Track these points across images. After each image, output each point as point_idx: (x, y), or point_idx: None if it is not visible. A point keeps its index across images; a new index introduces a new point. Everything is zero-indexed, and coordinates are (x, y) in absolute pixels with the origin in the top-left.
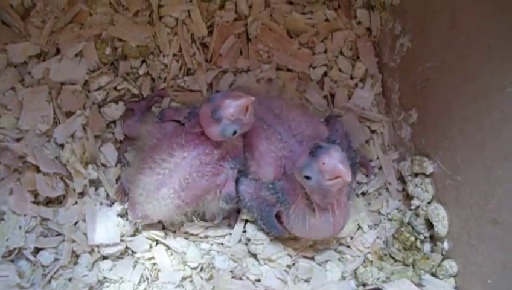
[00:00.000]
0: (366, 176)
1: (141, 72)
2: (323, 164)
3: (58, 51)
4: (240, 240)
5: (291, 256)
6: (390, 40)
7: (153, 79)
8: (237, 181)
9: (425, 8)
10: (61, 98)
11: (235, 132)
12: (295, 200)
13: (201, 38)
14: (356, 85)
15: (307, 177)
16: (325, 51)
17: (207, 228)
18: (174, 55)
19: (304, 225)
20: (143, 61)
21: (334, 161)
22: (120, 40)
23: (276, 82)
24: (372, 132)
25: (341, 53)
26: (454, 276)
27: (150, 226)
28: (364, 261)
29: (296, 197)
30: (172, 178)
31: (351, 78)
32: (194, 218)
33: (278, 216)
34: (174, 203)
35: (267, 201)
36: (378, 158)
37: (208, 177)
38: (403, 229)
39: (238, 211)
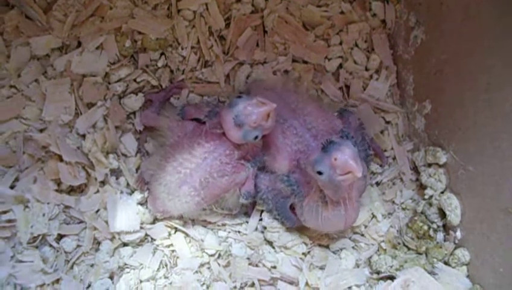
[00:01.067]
0: (381, 166)
1: (160, 64)
2: (335, 159)
3: (79, 44)
4: (256, 228)
5: (306, 244)
6: (404, 32)
7: (171, 71)
8: (256, 177)
9: (439, 0)
10: (83, 90)
11: (256, 137)
12: (309, 193)
13: (218, 30)
14: (371, 76)
15: (319, 173)
16: (340, 43)
17: (224, 216)
18: (192, 47)
19: (317, 217)
20: (162, 54)
21: (345, 156)
22: (139, 33)
23: (292, 74)
24: (387, 122)
25: (356, 45)
26: (466, 264)
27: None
28: (378, 250)
29: (310, 190)
30: (193, 177)
31: (366, 69)
32: (213, 206)
33: (292, 208)
34: (194, 200)
35: (282, 193)
36: (392, 148)
37: (228, 177)
38: (416, 218)
39: (254, 203)
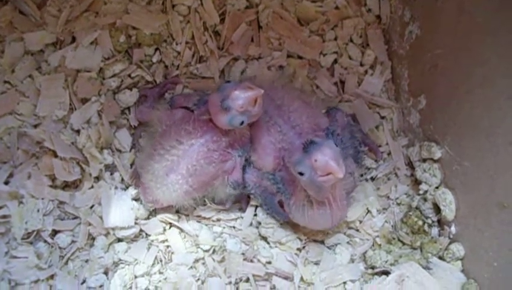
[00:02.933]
0: (376, 161)
1: (155, 59)
2: (315, 161)
3: (73, 39)
4: (251, 224)
5: (301, 239)
6: (399, 27)
7: (166, 66)
8: (244, 168)
9: None
10: (77, 85)
11: (242, 123)
12: (295, 191)
13: (213, 26)
14: (366, 72)
15: (300, 173)
16: (335, 38)
17: (219, 211)
18: (186, 42)
19: (304, 216)
20: (156, 49)
21: (325, 157)
22: (134, 28)
23: (287, 69)
24: (382, 117)
25: (351, 40)
26: (461, 259)
27: (164, 209)
28: (373, 245)
29: (295, 189)
30: (180, 164)
31: (361, 65)
32: (207, 201)
33: (281, 204)
34: (183, 188)
35: (268, 190)
36: (387, 144)
37: (216, 164)
38: (411, 213)
39: (249, 196)
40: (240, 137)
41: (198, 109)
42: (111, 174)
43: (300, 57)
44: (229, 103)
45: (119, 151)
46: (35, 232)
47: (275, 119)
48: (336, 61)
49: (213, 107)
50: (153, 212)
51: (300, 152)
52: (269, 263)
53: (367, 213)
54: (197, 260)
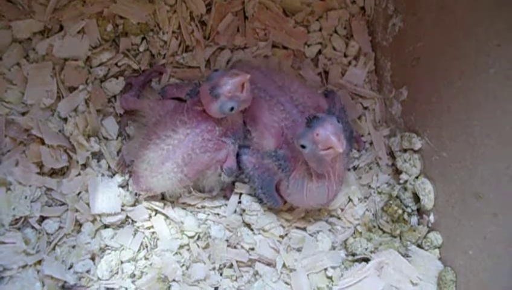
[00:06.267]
0: (358, 150)
1: (141, 48)
2: (317, 135)
3: (61, 28)
4: (235, 211)
5: (284, 227)
6: (383, 19)
7: (152, 55)
8: (237, 154)
9: None
10: (65, 74)
11: (232, 108)
12: (296, 167)
13: (199, 16)
14: (349, 63)
15: (303, 146)
16: (320, 30)
17: (204, 198)
18: (173, 32)
19: (302, 190)
20: (143, 38)
21: (327, 132)
22: (121, 17)
23: (272, 59)
24: (365, 108)
25: (335, 31)
26: (438, 247)
27: (150, 196)
28: (354, 233)
29: (296, 164)
30: (175, 153)
31: (345, 56)
32: (192, 189)
33: (276, 189)
34: (178, 177)
35: (269, 170)
36: (369, 134)
37: (210, 153)
38: (391, 202)
39: (234, 183)
40: (232, 124)
41: (191, 99)
42: (98, 161)
43: (285, 48)
44: (217, 89)
45: (106, 139)
46: (23, 219)
47: (277, 98)
48: (320, 52)
49: (204, 97)
50: (139, 200)
51: (303, 126)
52: (252, 249)
53: (348, 201)
54: (181, 246)
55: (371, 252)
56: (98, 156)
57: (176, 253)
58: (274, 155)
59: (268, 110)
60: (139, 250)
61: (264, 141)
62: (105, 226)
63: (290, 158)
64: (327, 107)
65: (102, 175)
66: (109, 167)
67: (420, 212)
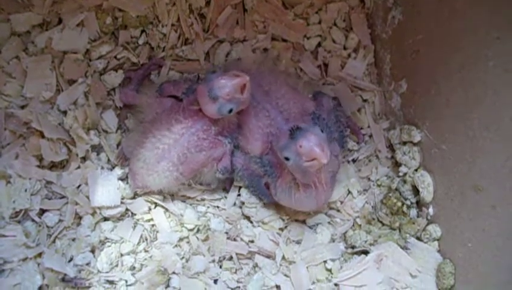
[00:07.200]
0: (357, 143)
1: (141, 41)
2: (300, 146)
3: (60, 21)
4: (234, 203)
5: (283, 219)
6: (382, 12)
7: (152, 48)
8: (232, 153)
9: None
10: (64, 67)
11: (231, 110)
12: (282, 174)
13: (198, 8)
14: (349, 55)
15: (286, 159)
16: (319, 22)
17: (203, 191)
18: (172, 25)
19: (290, 197)
20: (142, 31)
21: (310, 144)
22: (120, 10)
23: (272, 52)
24: (364, 100)
25: (335, 24)
26: (437, 240)
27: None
28: (353, 225)
29: (282, 171)
30: (171, 153)
31: (344, 48)
32: (192, 182)
33: (267, 186)
34: (173, 175)
35: (255, 173)
36: (369, 126)
37: (206, 152)
38: (390, 194)
39: (232, 177)
40: (228, 124)
41: (187, 98)
42: (97, 154)
43: (284, 40)
44: (216, 92)
45: (106, 132)
46: (23, 212)
47: (263, 105)
48: (319, 44)
49: (201, 98)
50: (139, 193)
51: (286, 138)
52: (252, 241)
53: (348, 194)
54: (181, 239)
55: (370, 244)
56: (97, 149)
57: (176, 245)
58: (260, 161)
59: (254, 116)
60: (138, 243)
61: (249, 145)
62: (105, 219)
63: (276, 164)
64: (313, 111)
65: (102, 168)
66: (109, 160)
67: (419, 204)
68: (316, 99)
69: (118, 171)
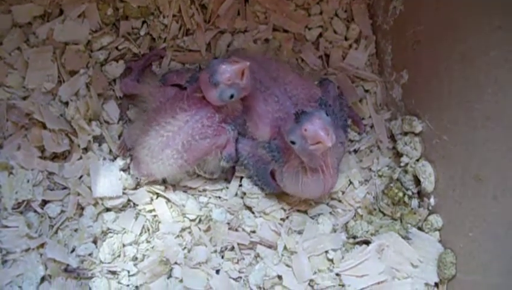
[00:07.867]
0: (359, 133)
1: (142, 32)
2: (305, 130)
3: (61, 12)
4: (236, 194)
5: (285, 210)
6: (383, 2)
7: (153, 39)
8: (236, 141)
9: None
10: (65, 58)
11: (232, 96)
12: (289, 159)
13: None
14: (350, 46)
15: (292, 142)
16: (321, 13)
17: (205, 182)
18: (173, 16)
19: (297, 183)
20: (144, 22)
21: (315, 127)
22: (121, 1)
23: (273, 42)
24: (366, 91)
25: (336, 15)
26: (439, 230)
27: (151, 181)
28: (354, 215)
29: (290, 156)
30: (175, 140)
31: (346, 39)
32: (196, 169)
33: (272, 175)
34: (178, 163)
35: (262, 159)
36: (370, 117)
37: (210, 139)
38: (392, 185)
39: (234, 168)
40: (232, 111)
41: (191, 86)
42: (99, 145)
43: (285, 31)
44: (216, 77)
45: (107, 122)
46: (25, 202)
47: (271, 90)
48: (321, 35)
49: (204, 85)
50: (140, 183)
51: (292, 122)
52: (254, 232)
53: (349, 184)
54: (183, 229)
55: (372, 234)
56: (99, 139)
57: (178, 236)
58: (268, 146)
59: (262, 101)
60: (140, 233)
61: (257, 131)
62: (107, 210)
63: (284, 149)
64: (320, 96)
65: (104, 159)
66: (110, 150)
67: (421, 195)
68: (322, 85)
69: (120, 162)
